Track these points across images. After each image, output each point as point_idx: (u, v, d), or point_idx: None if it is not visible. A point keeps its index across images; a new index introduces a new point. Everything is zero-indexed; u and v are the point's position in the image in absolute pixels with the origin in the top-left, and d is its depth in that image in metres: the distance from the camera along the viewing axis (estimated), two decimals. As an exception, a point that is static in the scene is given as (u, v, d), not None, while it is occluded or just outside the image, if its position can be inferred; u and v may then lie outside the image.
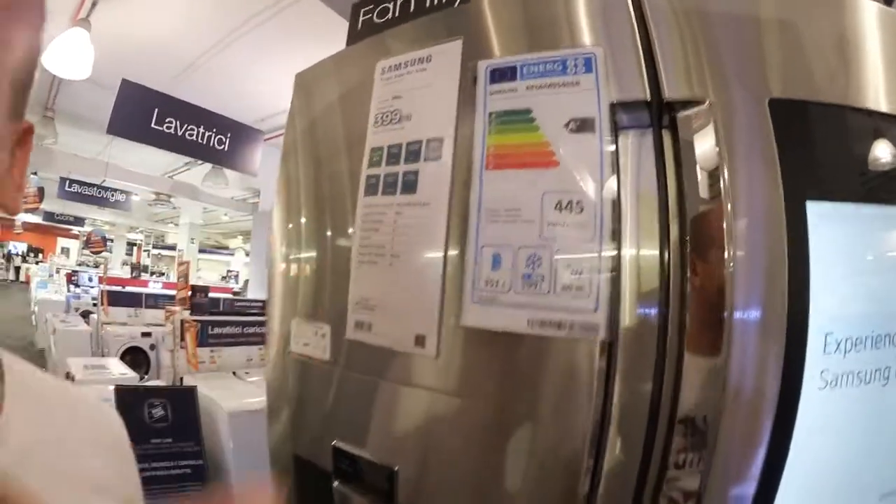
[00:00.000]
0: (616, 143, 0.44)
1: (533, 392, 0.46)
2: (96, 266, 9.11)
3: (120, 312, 4.51)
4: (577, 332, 0.42)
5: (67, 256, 12.02)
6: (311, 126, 0.70)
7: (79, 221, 10.14)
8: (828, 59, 0.43)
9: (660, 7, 0.45)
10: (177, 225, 9.67)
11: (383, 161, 0.56)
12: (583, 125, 0.43)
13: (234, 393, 1.80)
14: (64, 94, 4.54)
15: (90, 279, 6.91)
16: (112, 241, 11.43)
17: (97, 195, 6.91)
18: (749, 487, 0.39)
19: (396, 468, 0.54)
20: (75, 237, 11.15)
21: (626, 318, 0.42)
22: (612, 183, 0.43)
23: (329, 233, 0.64)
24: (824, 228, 0.40)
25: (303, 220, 0.69)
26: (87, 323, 4.62)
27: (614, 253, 0.42)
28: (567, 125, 0.43)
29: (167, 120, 3.82)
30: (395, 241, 0.54)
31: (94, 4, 2.70)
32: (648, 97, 0.44)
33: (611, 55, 0.45)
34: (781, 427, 0.39)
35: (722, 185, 0.40)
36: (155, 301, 4.46)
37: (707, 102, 0.42)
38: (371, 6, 1.11)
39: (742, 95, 0.42)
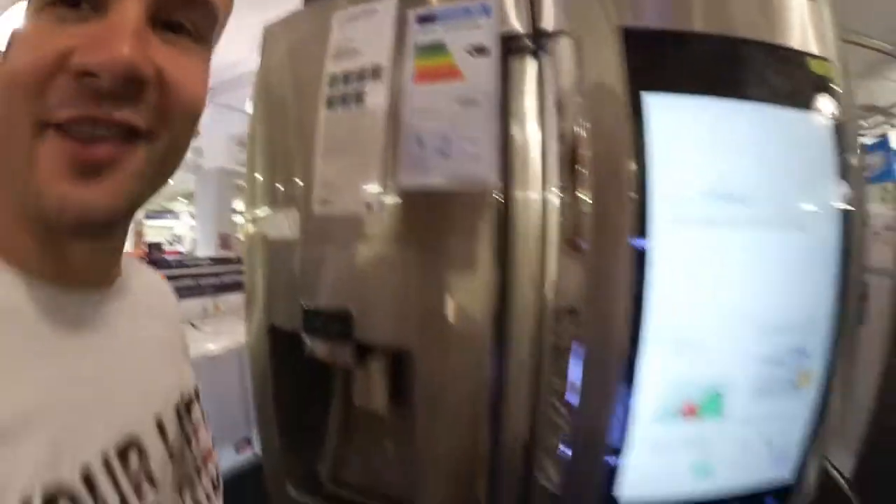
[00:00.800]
0: (506, 62, 0.70)
1: (446, 233, 0.73)
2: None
3: None
4: (476, 187, 0.69)
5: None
6: (284, 67, 0.89)
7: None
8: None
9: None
10: None
11: (340, 83, 0.79)
12: (480, 51, 0.69)
13: (193, 340, 1.95)
14: None
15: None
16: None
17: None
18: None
19: (350, 310, 0.76)
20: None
21: (517, 185, 0.69)
22: (499, 87, 0.69)
23: (300, 143, 0.85)
24: (659, 115, 0.63)
25: (288, 127, 0.87)
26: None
27: (501, 133, 0.69)
28: (469, 51, 0.69)
29: None
30: (348, 138, 0.78)
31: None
32: (528, 31, 0.70)
33: (502, 4, 0.70)
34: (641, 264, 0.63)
35: (573, 91, 0.67)
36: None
37: (566, 32, 0.67)
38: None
39: (596, 25, 0.66)
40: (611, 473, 0.68)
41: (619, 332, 0.63)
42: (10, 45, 0.28)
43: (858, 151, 0.78)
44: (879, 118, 4.97)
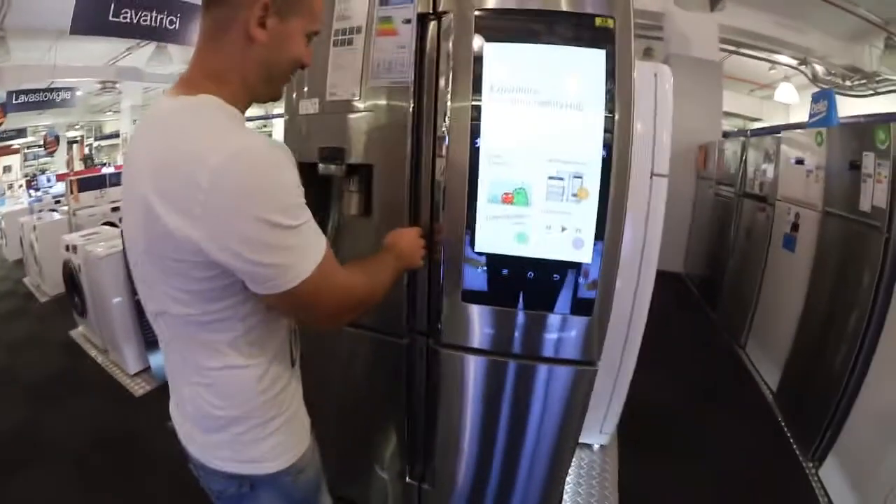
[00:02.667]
0: (421, 27, 1.37)
1: (390, 108, 1.41)
2: (43, 172, 9.41)
3: (87, 197, 5.11)
4: (402, 84, 1.36)
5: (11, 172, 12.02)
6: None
7: (21, 134, 10.23)
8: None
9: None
10: (116, 112, 10.51)
11: (340, 34, 1.46)
12: (407, 21, 1.36)
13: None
14: (14, 12, 4.87)
15: (48, 180, 7.31)
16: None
17: (44, 99, 7.24)
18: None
19: (343, 146, 1.47)
20: (15, 152, 11.17)
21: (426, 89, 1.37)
22: (415, 41, 1.36)
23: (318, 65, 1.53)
24: (493, 53, 1.33)
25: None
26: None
27: (417, 58, 1.36)
28: (403, 21, 1.36)
29: (123, 11, 4.37)
30: (343, 62, 1.45)
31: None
32: (432, 11, 1.37)
33: None
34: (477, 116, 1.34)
35: (451, 44, 1.33)
36: (117, 179, 5.18)
37: (450, 12, 1.34)
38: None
39: (465, 7, 1.33)
40: (471, 236, 1.35)
41: (466, 154, 1.30)
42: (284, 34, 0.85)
43: (633, 63, 1.36)
44: (863, 80, 5.27)
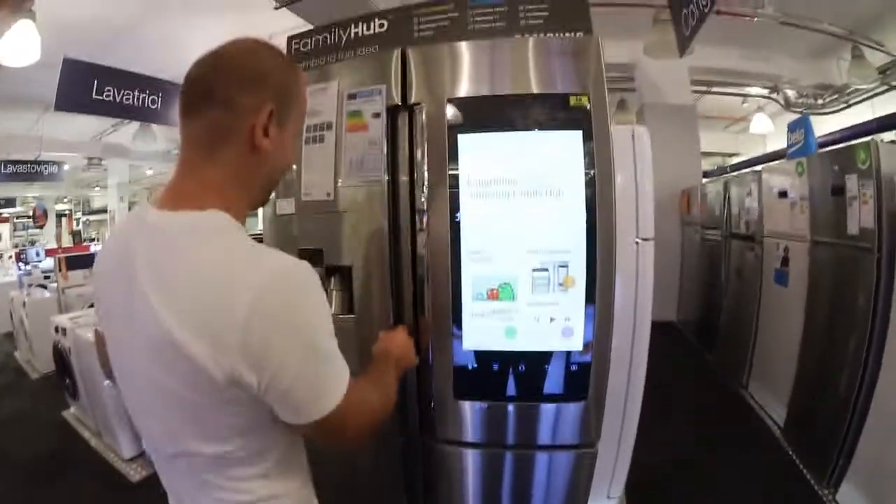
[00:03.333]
0: (392, 120, 1.34)
1: (365, 207, 1.37)
2: (32, 244, 9.34)
3: (77, 275, 5.03)
4: (374, 182, 1.32)
5: (0, 240, 11.95)
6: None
7: (10, 203, 10.20)
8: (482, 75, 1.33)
9: (412, 58, 1.34)
10: (103, 188, 10.31)
11: (311, 129, 1.43)
12: (377, 115, 1.33)
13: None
14: (1, 81, 4.87)
15: (37, 254, 7.24)
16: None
17: (32, 171, 7.21)
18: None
19: (322, 248, 1.42)
20: (4, 220, 11.14)
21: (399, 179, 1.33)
22: (387, 136, 1.33)
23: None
24: (468, 144, 1.30)
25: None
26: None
27: (390, 154, 1.33)
28: (372, 115, 1.33)
29: (106, 89, 4.35)
30: (316, 161, 1.42)
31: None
32: (402, 103, 1.34)
33: (389, 88, 1.34)
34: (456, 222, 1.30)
35: (424, 134, 1.30)
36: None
37: (422, 103, 1.32)
38: (298, 40, 1.95)
39: (436, 98, 1.31)
40: (459, 334, 1.30)
41: (447, 253, 1.25)
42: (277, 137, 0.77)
43: (609, 139, 1.32)
44: (834, 95, 5.33)
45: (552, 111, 1.31)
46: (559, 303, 1.32)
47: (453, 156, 1.30)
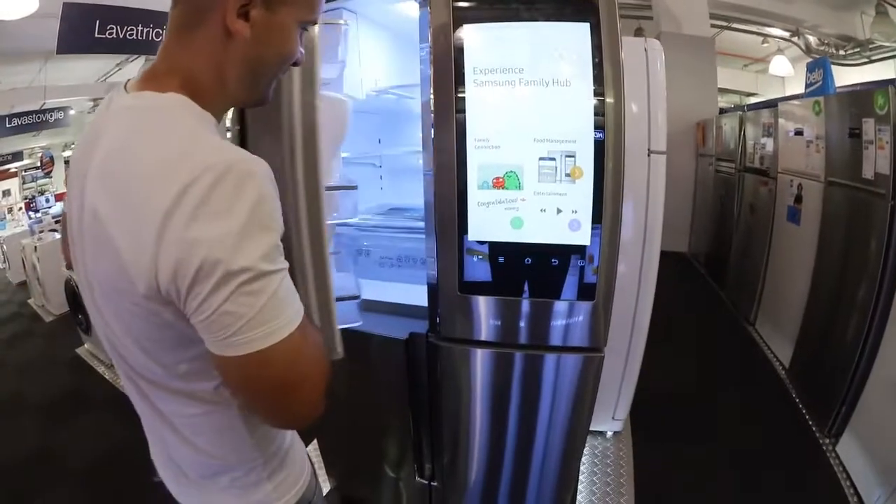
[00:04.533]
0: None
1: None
2: (42, 193, 9.42)
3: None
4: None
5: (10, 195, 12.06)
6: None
7: (17, 157, 10.22)
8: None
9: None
10: None
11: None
12: None
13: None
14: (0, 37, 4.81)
15: (47, 200, 7.29)
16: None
17: (38, 121, 7.18)
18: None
19: None
20: (13, 175, 11.19)
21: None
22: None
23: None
24: (471, 34, 1.26)
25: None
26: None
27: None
28: None
29: (108, 27, 4.26)
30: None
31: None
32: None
33: None
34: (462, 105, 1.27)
35: (430, 30, 1.26)
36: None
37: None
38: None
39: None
40: (463, 223, 1.28)
41: (453, 140, 1.24)
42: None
43: (619, 35, 1.28)
44: (856, 48, 5.17)
45: (558, 2, 1.26)
46: (566, 193, 1.29)
47: (459, 46, 1.25)
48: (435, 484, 1.81)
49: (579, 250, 1.32)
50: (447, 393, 1.57)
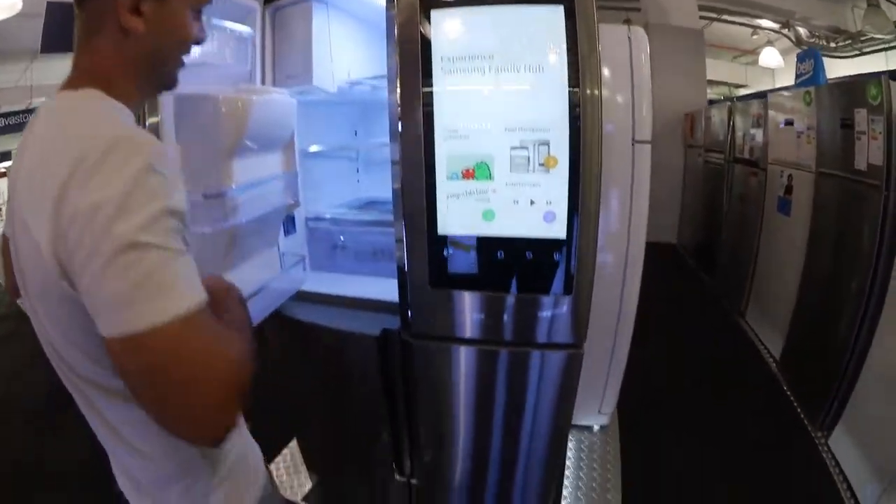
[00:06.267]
0: None
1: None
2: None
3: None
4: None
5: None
6: None
7: (4, 157, 10.13)
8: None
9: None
10: None
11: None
12: None
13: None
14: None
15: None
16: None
17: (24, 121, 7.10)
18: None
19: None
20: (1, 175, 11.13)
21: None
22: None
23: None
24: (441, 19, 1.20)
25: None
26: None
27: None
28: None
29: None
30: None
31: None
32: None
33: None
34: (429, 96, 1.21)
35: (396, 13, 1.20)
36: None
37: None
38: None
39: None
40: (432, 215, 1.23)
41: (420, 130, 1.19)
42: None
43: (593, 16, 1.21)
44: (847, 40, 5.13)
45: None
46: (540, 184, 1.24)
47: (424, 29, 1.20)
48: (415, 482, 1.77)
49: (555, 243, 1.27)
50: (422, 390, 1.52)
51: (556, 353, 1.39)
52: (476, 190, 1.24)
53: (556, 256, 1.27)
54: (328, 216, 1.71)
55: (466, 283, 1.32)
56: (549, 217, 1.26)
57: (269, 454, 2.47)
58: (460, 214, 1.26)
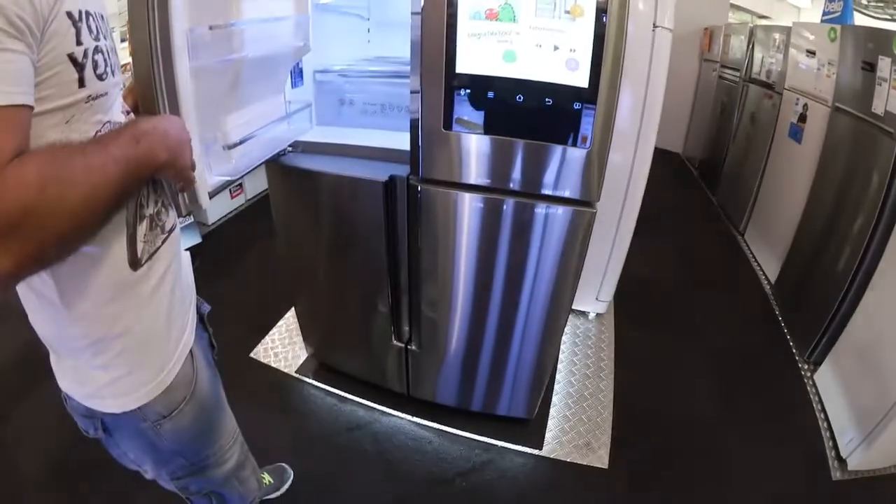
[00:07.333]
0: None
1: None
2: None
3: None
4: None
5: None
6: None
7: None
8: None
9: None
10: None
11: None
12: None
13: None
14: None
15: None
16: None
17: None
18: None
19: None
20: None
21: None
22: None
23: None
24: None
25: None
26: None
27: None
28: None
29: None
30: None
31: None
32: None
33: None
34: None
35: None
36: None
37: None
38: None
39: None
40: (451, 54, 1.21)
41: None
42: None
43: None
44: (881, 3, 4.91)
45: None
46: (565, 31, 1.22)
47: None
48: (412, 347, 1.82)
49: (576, 92, 1.26)
50: (427, 240, 1.54)
51: (571, 208, 1.39)
52: (499, 31, 1.22)
53: (576, 105, 1.27)
54: (336, 68, 1.67)
55: (482, 126, 1.32)
56: (572, 64, 1.24)
57: (276, 303, 2.52)
58: (480, 53, 1.25)
